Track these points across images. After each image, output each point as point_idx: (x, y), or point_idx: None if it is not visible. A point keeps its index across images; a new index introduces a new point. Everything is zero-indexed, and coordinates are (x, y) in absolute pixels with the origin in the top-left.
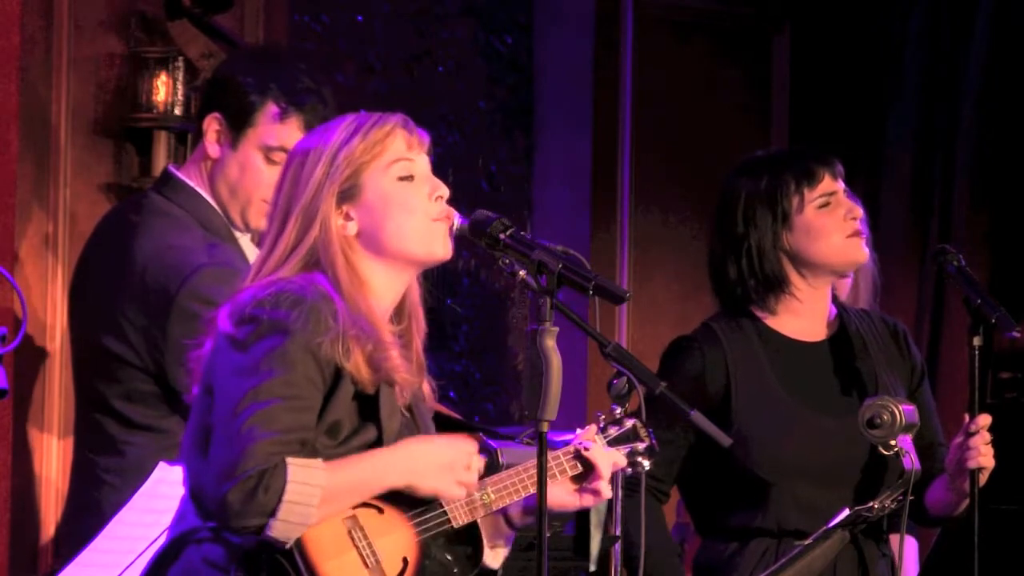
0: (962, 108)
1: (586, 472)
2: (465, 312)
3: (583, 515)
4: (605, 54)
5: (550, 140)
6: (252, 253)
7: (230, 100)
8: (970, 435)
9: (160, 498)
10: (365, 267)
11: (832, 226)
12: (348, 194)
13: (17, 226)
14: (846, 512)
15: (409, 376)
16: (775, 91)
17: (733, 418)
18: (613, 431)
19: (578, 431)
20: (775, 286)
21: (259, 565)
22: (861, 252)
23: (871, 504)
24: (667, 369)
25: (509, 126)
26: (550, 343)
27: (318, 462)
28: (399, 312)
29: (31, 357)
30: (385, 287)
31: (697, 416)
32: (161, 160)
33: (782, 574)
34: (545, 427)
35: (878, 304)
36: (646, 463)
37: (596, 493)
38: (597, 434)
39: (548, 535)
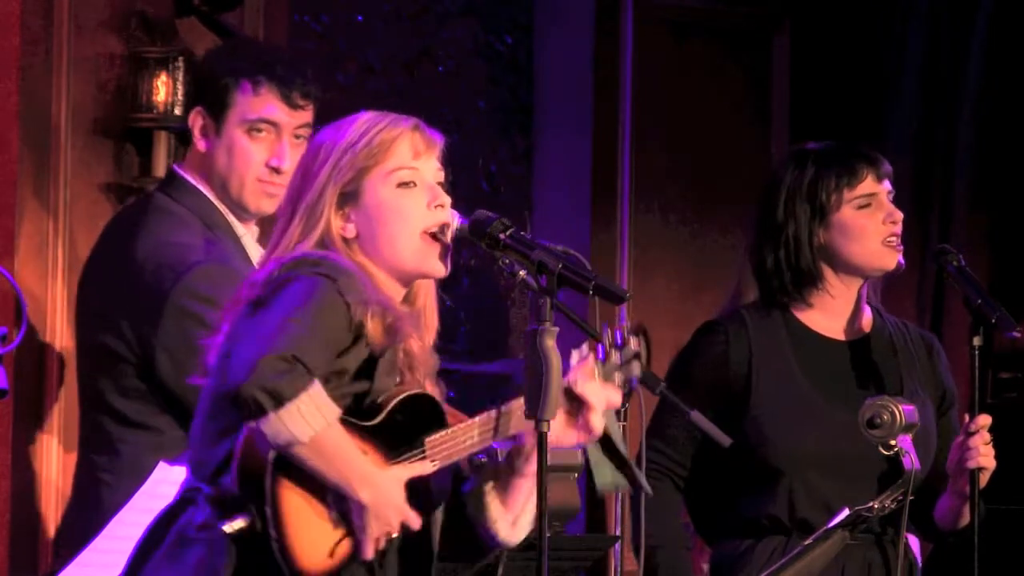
0: (962, 108)
1: (577, 406)
2: (465, 312)
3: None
4: (605, 54)
5: (550, 140)
6: (255, 251)
7: (206, 90)
8: (969, 435)
9: (160, 498)
10: (364, 268)
11: (870, 229)
12: (349, 197)
13: (17, 226)
14: (846, 512)
15: (419, 350)
16: (775, 91)
17: (752, 405)
18: (616, 357)
19: (575, 356)
20: (808, 281)
21: (227, 499)
22: (893, 260)
23: (871, 504)
24: (691, 349)
25: (509, 126)
26: (550, 343)
27: (337, 409)
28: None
29: (31, 357)
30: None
31: (697, 416)
32: (161, 160)
33: (782, 574)
34: (545, 427)
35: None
36: (636, 386)
37: (588, 428)
38: (596, 361)
39: (548, 535)
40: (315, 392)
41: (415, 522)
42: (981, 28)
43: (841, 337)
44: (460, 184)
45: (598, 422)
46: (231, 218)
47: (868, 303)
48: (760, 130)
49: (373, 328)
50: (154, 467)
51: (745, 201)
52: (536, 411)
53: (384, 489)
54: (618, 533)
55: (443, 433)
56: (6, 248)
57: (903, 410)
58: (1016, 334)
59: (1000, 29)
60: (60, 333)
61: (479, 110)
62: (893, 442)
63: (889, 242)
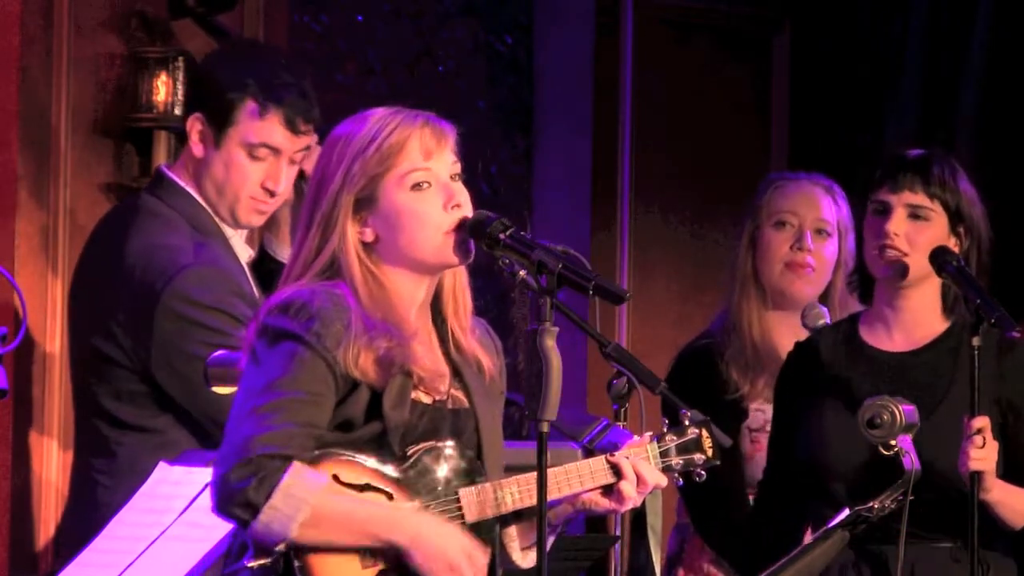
0: (961, 108)
1: (619, 478)
2: None
3: (640, 538)
4: (605, 54)
5: (550, 140)
6: (243, 252)
7: (209, 99)
8: (967, 438)
9: (160, 498)
10: (384, 272)
11: (870, 235)
12: (364, 203)
13: (17, 226)
14: (846, 512)
15: (431, 367)
16: (775, 91)
17: (796, 415)
18: (672, 439)
19: (634, 437)
20: (867, 279)
21: None
22: (875, 266)
23: (871, 504)
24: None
25: (509, 126)
26: (550, 343)
27: (322, 479)
28: (437, 302)
29: (31, 357)
30: (407, 289)
31: (695, 415)
32: (161, 160)
33: (782, 574)
34: (545, 427)
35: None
36: (703, 474)
37: (621, 499)
38: (651, 442)
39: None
40: (288, 481)
41: (478, 565)
42: (981, 28)
43: (893, 348)
44: None
45: (632, 493)
46: (219, 219)
47: (952, 309)
48: (760, 130)
49: (363, 366)
50: (153, 467)
51: (745, 201)
52: (536, 411)
53: (434, 531)
54: (618, 533)
55: (478, 488)
56: (6, 248)
57: (903, 410)
58: (1016, 334)
59: (1000, 29)
60: (60, 333)
61: (479, 110)
62: (893, 442)
63: (876, 246)
